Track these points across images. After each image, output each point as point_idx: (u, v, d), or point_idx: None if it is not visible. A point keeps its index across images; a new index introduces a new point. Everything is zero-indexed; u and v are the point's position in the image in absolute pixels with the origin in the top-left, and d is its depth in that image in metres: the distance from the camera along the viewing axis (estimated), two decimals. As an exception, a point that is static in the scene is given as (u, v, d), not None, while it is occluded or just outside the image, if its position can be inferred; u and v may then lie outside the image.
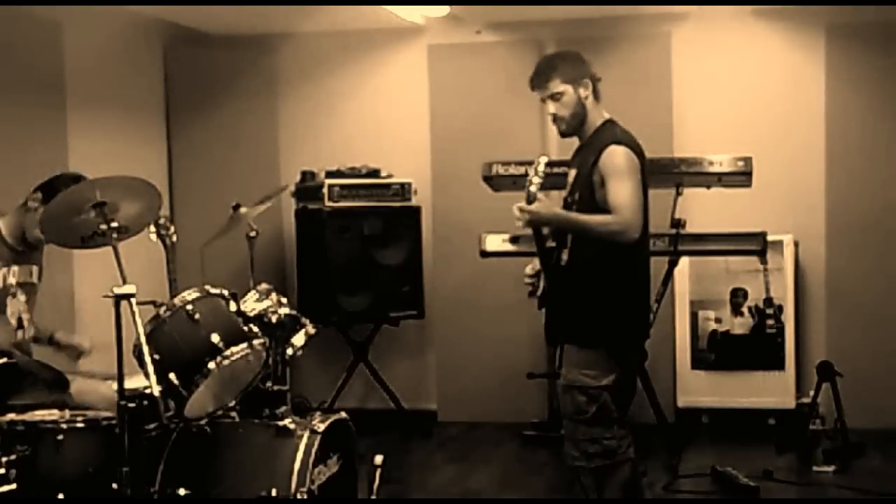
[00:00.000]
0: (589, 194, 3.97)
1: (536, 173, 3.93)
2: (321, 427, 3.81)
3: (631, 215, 3.88)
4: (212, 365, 3.69)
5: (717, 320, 6.71)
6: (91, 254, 4.00)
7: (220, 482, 3.74)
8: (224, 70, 7.15)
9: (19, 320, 4.22)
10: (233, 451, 3.83)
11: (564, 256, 4.03)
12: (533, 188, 3.90)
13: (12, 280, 4.18)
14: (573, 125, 4.12)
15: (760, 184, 6.01)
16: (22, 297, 4.21)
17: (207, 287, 3.88)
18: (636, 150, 4.01)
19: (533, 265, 4.17)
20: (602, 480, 4.04)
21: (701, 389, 6.72)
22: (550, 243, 4.11)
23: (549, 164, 3.96)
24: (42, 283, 4.37)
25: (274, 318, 4.05)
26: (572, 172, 4.14)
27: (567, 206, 4.10)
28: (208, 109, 7.04)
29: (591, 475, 4.04)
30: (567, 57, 4.17)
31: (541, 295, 4.16)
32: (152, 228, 4.14)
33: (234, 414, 4.00)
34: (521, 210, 3.92)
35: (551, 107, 4.11)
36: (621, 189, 3.90)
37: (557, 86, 4.07)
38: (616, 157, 3.94)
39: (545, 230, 4.08)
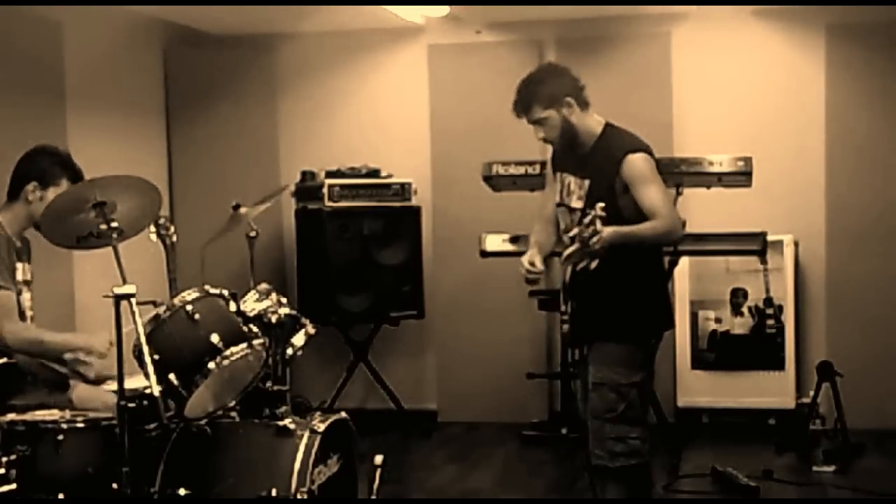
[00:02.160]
0: (611, 203, 3.91)
1: (598, 216, 3.73)
2: (321, 427, 3.81)
3: (672, 214, 3.98)
4: (212, 365, 3.68)
5: (717, 320, 6.70)
6: (91, 254, 4.00)
7: (220, 482, 3.73)
8: (224, 70, 7.15)
9: (31, 319, 4.20)
10: (233, 451, 3.82)
11: (592, 264, 4.01)
12: (598, 226, 3.70)
13: (22, 277, 4.18)
14: (565, 142, 4.12)
15: (760, 184, 6.01)
16: (27, 295, 4.21)
17: (207, 287, 3.88)
18: (650, 152, 4.04)
19: (530, 256, 4.07)
20: (620, 481, 4.02)
21: (701, 389, 6.72)
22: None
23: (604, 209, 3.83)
24: (38, 282, 4.34)
25: (274, 318, 4.04)
26: (573, 180, 4.11)
27: (584, 215, 4.07)
28: (208, 109, 7.04)
29: (611, 475, 4.02)
30: (545, 78, 4.10)
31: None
32: (152, 228, 4.14)
33: (234, 414, 4.00)
34: (591, 244, 3.72)
35: (539, 132, 4.11)
36: (653, 193, 3.94)
37: (539, 112, 4.05)
38: (639, 165, 3.96)
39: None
